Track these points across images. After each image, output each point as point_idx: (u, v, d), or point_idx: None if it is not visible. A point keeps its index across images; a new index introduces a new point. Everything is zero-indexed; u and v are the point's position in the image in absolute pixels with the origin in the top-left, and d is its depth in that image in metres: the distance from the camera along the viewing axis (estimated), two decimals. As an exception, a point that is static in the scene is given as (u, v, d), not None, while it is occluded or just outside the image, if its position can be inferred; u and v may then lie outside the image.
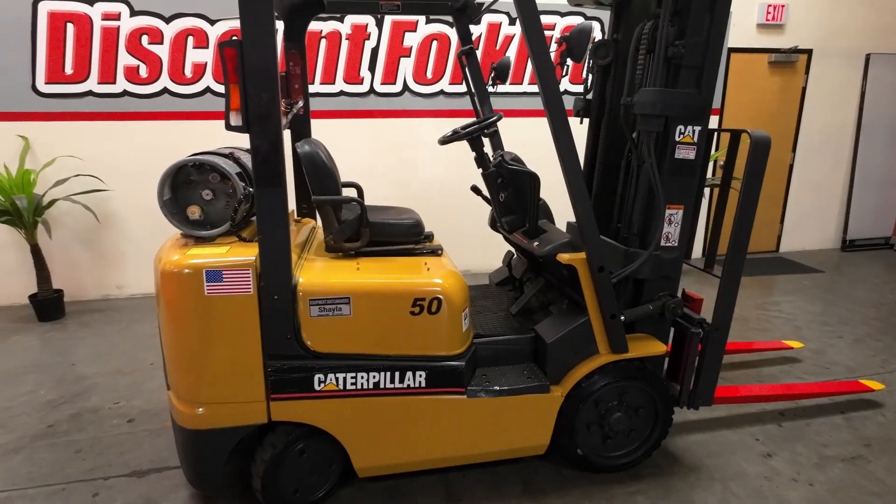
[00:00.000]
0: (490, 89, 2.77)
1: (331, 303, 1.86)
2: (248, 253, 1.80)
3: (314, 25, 4.43)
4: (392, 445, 2.02)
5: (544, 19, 4.77)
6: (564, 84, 5.00)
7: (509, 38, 4.79)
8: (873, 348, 3.50)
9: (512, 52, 4.81)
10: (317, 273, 1.92)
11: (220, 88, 4.37)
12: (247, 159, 2.14)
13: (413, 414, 2.00)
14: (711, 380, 2.29)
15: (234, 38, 1.62)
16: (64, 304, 4.18)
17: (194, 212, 1.94)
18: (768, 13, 5.25)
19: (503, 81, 2.68)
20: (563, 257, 2.06)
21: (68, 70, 4.12)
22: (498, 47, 4.79)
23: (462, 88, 4.80)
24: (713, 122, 2.36)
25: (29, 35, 4.01)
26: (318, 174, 2.09)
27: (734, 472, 2.29)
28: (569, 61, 2.09)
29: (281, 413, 1.90)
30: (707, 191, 5.22)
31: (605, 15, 4.80)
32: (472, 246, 5.07)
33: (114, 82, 4.21)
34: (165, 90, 4.30)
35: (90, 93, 4.19)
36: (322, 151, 2.16)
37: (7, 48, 3.99)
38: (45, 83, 4.11)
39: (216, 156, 1.96)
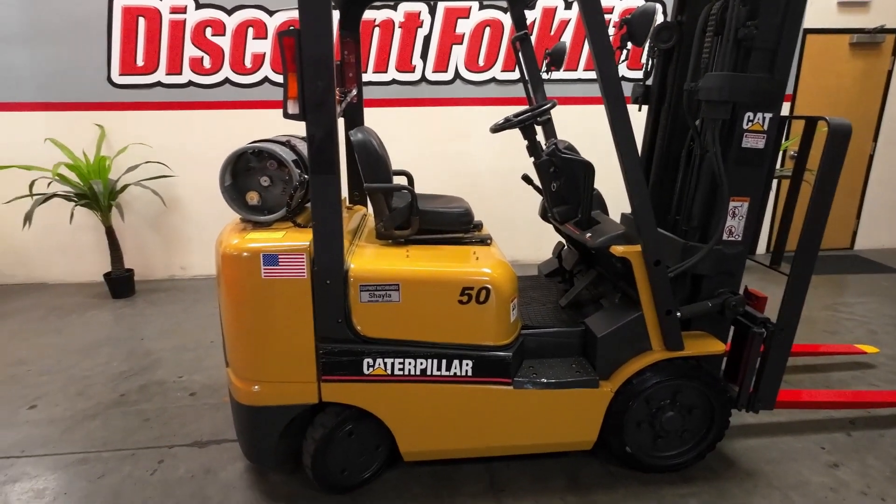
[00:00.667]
0: (544, 76, 2.70)
1: (381, 289, 1.89)
2: (302, 238, 1.86)
3: (368, 14, 4.46)
4: (437, 432, 2.04)
5: (603, 1, 4.60)
6: (622, 70, 4.81)
7: (564, 23, 4.66)
8: (961, 357, 3.20)
9: (567, 38, 4.68)
10: (367, 259, 1.95)
11: (278, 78, 4.50)
12: (303, 147, 2.19)
13: (458, 402, 2.01)
14: (774, 382, 2.17)
15: (293, 28, 1.66)
16: (134, 283, 4.47)
17: (253, 197, 2.01)
18: (851, -10, 4.83)
19: (558, 68, 2.61)
20: (617, 249, 2.00)
21: (139, 62, 4.36)
22: (552, 33, 4.66)
23: (514, 76, 4.72)
24: (784, 109, 2.20)
25: (105, 30, 4.26)
26: (371, 162, 2.12)
27: (796, 481, 2.17)
28: (629, 45, 2.00)
29: (331, 394, 1.95)
30: (775, 183, 4.92)
31: (668, -4, 4.57)
32: (523, 236, 5.01)
33: (180, 73, 4.42)
34: (227, 80, 4.47)
35: (159, 83, 4.42)
36: (374, 139, 2.19)
37: (86, 43, 4.27)
38: (119, 75, 4.37)
39: (274, 143, 2.02)
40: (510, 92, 4.76)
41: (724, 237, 2.06)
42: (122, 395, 2.87)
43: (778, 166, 4.71)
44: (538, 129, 2.51)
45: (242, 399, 1.98)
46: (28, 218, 3.78)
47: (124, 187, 4.24)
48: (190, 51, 4.38)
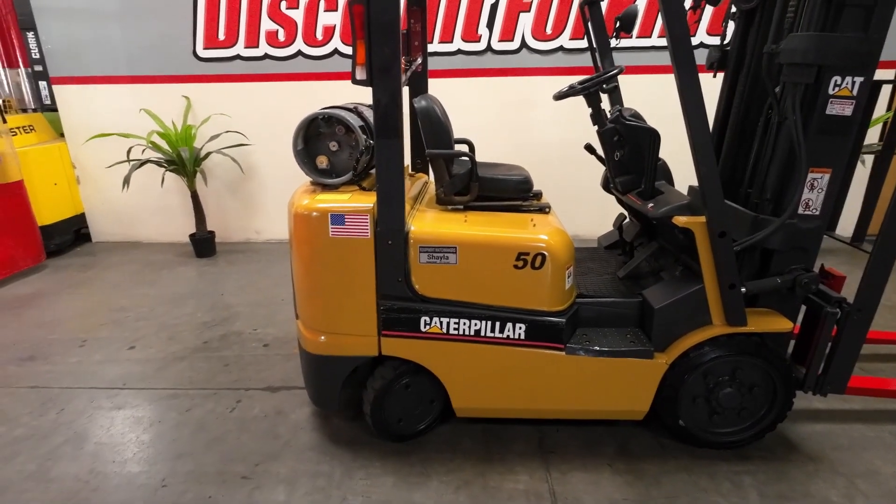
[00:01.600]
0: (613, 42, 2.62)
1: (439, 251, 1.97)
2: (367, 200, 1.96)
3: (435, -17, 4.46)
4: (489, 390, 2.13)
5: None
6: (701, 36, 4.53)
7: (639, -14, 4.42)
8: None
9: (641, 2, 4.45)
10: (427, 223, 2.04)
11: (347, 50, 4.62)
12: (369, 114, 2.28)
13: (510, 364, 2.07)
14: (846, 366, 2.06)
15: (363, -5, 1.72)
16: (215, 244, 4.85)
17: (322, 161, 2.14)
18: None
19: (629, 33, 2.52)
20: (680, 220, 1.95)
21: (221, 36, 4.63)
22: (626, -3, 4.45)
23: (583, 44, 4.57)
24: (883, 74, 2.01)
25: (192, 6, 4.55)
26: (433, 129, 2.18)
27: (864, 469, 2.07)
28: (704, 6, 1.91)
29: (390, 348, 2.08)
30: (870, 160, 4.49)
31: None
32: (585, 210, 4.91)
33: (257, 46, 4.65)
34: (299, 52, 4.66)
35: (238, 56, 4.68)
36: (438, 107, 2.24)
37: (174, 19, 4.57)
38: (203, 49, 4.67)
39: (342, 110, 2.12)
40: (578, 61, 4.62)
41: (801, 211, 1.95)
42: (205, 342, 3.18)
43: (874, 141, 4.28)
44: (604, 97, 2.46)
45: (310, 348, 2.15)
46: (126, 181, 4.19)
47: (207, 154, 4.57)
48: (266, 24, 4.59)
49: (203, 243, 4.72)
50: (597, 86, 2.25)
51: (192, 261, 4.65)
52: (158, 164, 4.44)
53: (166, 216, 5.12)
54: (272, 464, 2.14)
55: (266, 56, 4.67)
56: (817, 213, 1.96)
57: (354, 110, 2.18)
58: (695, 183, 1.96)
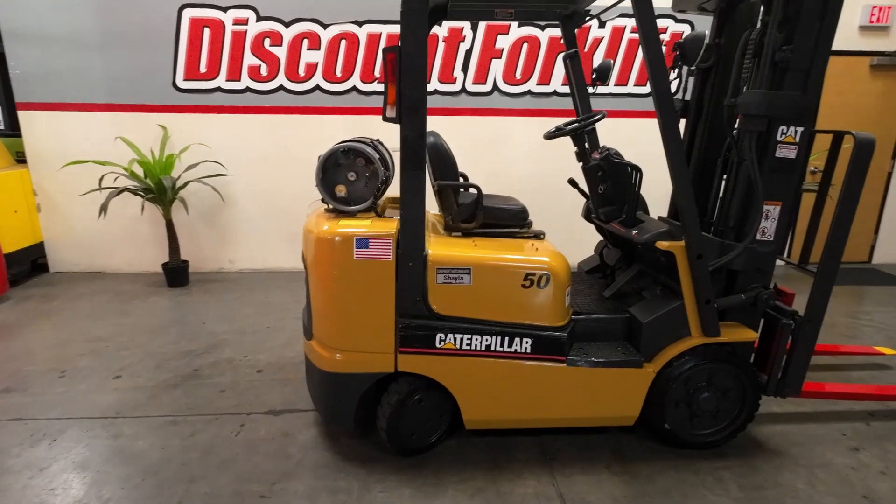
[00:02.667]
0: (590, 90, 2.97)
1: (455, 272, 2.15)
2: (388, 225, 2.13)
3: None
4: (497, 402, 2.29)
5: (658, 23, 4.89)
6: (630, 87, 5.09)
7: (597, 41, 4.94)
8: (976, 362, 3.39)
9: (599, 55, 4.96)
10: (442, 246, 2.22)
11: (329, 86, 4.82)
12: (381, 148, 2.47)
13: (517, 376, 2.26)
14: (800, 371, 2.39)
15: (395, 46, 1.94)
16: (188, 274, 4.78)
17: (341, 190, 2.29)
18: (873, 15, 5.08)
19: (604, 83, 2.88)
20: (663, 244, 2.25)
21: (202, 69, 4.71)
22: (586, 49, 4.95)
23: (549, 89, 5.01)
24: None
25: (173, 39, 4.62)
26: (442, 162, 2.39)
27: (820, 461, 2.38)
28: (681, 66, 2.27)
29: (406, 365, 2.21)
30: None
31: (698, 19, 4.85)
32: (556, 237, 5.24)
33: (239, 80, 4.76)
34: (281, 87, 4.81)
35: (219, 89, 4.77)
36: (444, 143, 2.47)
37: (155, 51, 4.63)
38: (183, 80, 4.72)
39: (361, 143, 2.30)
40: (544, 104, 5.04)
41: (759, 237, 2.30)
42: (195, 369, 3.15)
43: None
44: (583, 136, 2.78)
45: (327, 366, 2.25)
46: (104, 208, 4.11)
47: (186, 183, 4.57)
48: (249, 59, 4.72)
49: (176, 272, 4.65)
50: (583, 128, 2.56)
51: (165, 290, 4.56)
52: (135, 192, 4.39)
53: (135, 245, 5.00)
54: (289, 482, 2.19)
55: (248, 89, 4.78)
56: (772, 238, 2.32)
57: (371, 144, 2.37)
58: (659, 211, 2.27)
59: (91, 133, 4.72)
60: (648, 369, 2.30)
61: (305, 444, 2.44)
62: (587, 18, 2.90)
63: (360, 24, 4.72)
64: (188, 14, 4.59)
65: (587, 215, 2.95)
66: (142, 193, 4.41)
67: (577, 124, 2.60)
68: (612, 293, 2.64)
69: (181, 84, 4.73)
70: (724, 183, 2.50)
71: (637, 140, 4.55)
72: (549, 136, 2.70)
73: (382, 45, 4.76)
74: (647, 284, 2.62)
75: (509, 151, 5.10)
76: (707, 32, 2.08)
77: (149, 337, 3.58)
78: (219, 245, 5.12)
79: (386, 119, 2.02)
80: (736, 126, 2.36)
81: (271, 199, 5.01)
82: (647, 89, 5.15)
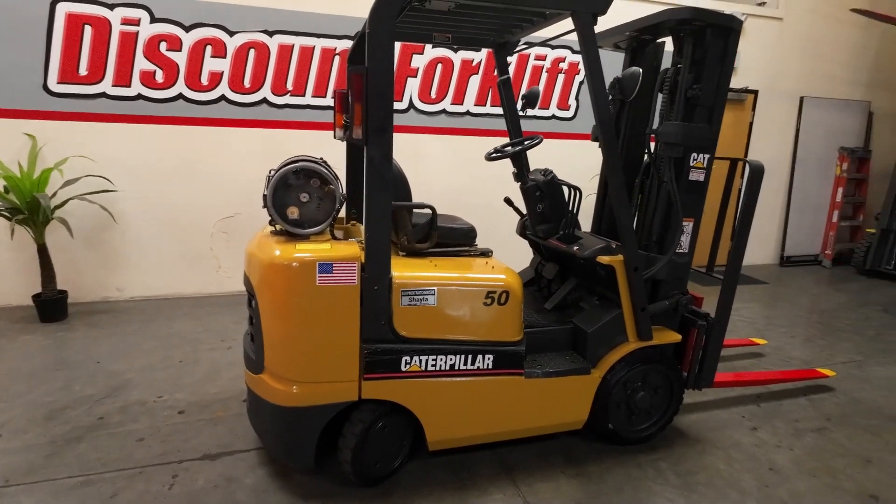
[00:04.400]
0: (520, 114, 3.16)
1: (419, 293, 2.14)
2: (353, 249, 2.06)
3: (332, 44, 4.67)
4: (461, 421, 2.31)
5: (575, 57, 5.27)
6: (552, 110, 5.51)
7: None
8: (820, 345, 4.14)
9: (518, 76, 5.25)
10: (405, 268, 2.20)
11: (236, 97, 4.51)
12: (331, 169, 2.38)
13: (480, 392, 2.30)
14: (713, 365, 2.75)
15: (361, 66, 1.90)
16: (67, 306, 4.13)
17: (294, 212, 2.17)
18: (724, 57, 6.03)
19: (532, 107, 3.07)
20: (604, 259, 2.45)
21: (83, 71, 4.14)
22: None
23: (463, 108, 5.19)
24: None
25: (44, 35, 4.01)
26: (397, 183, 2.37)
27: (731, 442, 2.74)
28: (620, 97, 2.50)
29: (370, 392, 2.14)
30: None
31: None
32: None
33: (129, 85, 4.26)
34: (181, 96, 4.39)
35: (104, 94, 4.22)
36: (397, 164, 2.45)
37: (20, 47, 3.97)
38: (58, 83, 4.11)
39: (312, 163, 2.20)
40: (459, 123, 5.21)
41: (677, 249, 2.61)
42: (100, 417, 2.73)
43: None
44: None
45: (282, 401, 2.10)
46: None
47: (65, 202, 3.95)
48: (141, 64, 4.25)
49: (52, 305, 3.99)
50: (523, 150, 2.71)
51: (38, 327, 3.89)
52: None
53: (-8, 275, 4.20)
54: (246, 533, 1.99)
55: (140, 96, 4.30)
56: (686, 250, 2.65)
57: (322, 163, 2.28)
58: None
59: (-70, 141, 3.90)
60: (595, 375, 2.48)
61: (255, 488, 2.24)
62: (518, 48, 3.08)
63: (270, 34, 4.49)
64: (63, 8, 4.01)
65: (522, 232, 3.11)
66: (7, 214, 3.73)
67: (518, 147, 2.74)
68: (554, 305, 2.81)
69: (55, 87, 4.11)
70: (643, 202, 2.79)
71: (558, 159, 4.90)
72: (490, 157, 2.81)
73: (296, 56, 4.59)
74: (584, 296, 2.83)
75: (425, 168, 5.17)
76: (634, 68, 2.33)
77: (28, 384, 3.03)
78: (103, 271, 4.49)
79: (352, 140, 1.96)
80: (653, 151, 2.67)
81: (170, 217, 4.53)
82: (568, 113, 5.57)
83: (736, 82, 6.18)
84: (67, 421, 2.68)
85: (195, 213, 4.57)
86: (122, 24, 4.16)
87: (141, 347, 3.59)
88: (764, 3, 6.32)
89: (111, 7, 4.11)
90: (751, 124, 6.48)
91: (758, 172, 2.54)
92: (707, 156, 2.56)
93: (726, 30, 2.42)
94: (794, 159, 6.75)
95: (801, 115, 6.63)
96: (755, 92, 6.37)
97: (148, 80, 4.29)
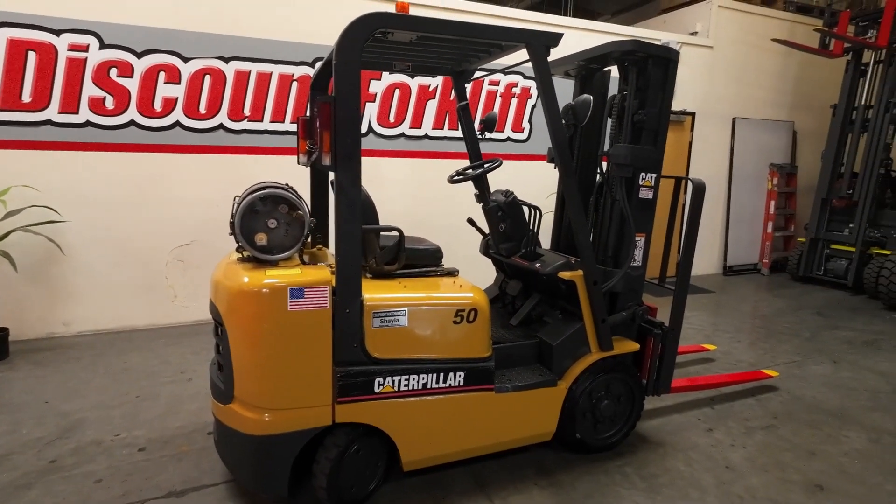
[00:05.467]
0: (479, 137, 3.28)
1: (391, 315, 2.18)
2: (323, 273, 2.08)
3: (290, 70, 4.70)
4: (434, 439, 2.34)
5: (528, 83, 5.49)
6: (508, 132, 5.72)
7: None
8: (763, 348, 4.43)
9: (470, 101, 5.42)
10: (376, 290, 2.24)
11: (191, 123, 4.45)
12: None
13: (453, 409, 2.34)
14: (669, 371, 2.90)
15: (329, 95, 1.95)
16: (9, 344, 3.88)
17: (262, 238, 2.17)
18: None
19: (490, 131, 3.21)
20: (565, 274, 2.57)
21: (26, 98, 3.99)
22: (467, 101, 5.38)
23: (420, 132, 5.31)
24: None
25: (-17, 60, 3.85)
26: (364, 207, 2.42)
27: (690, 444, 2.89)
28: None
29: (344, 415, 2.15)
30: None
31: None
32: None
33: (76, 112, 4.13)
34: (133, 122, 4.29)
35: (49, 122, 4.07)
36: (363, 188, 2.50)
37: (-44, 72, 3.79)
38: (-2, 110, 3.93)
39: (279, 189, 2.22)
40: (419, 146, 5.32)
41: (632, 263, 2.77)
42: (51, 461, 2.59)
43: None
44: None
45: (253, 430, 2.07)
46: None
47: (7, 234, 3.75)
48: (90, 90, 4.14)
49: (-9, 344, 3.74)
50: (484, 173, 2.82)
51: (-24, 368, 3.64)
52: (-70, 247, 3.47)
53: (-79, 314, 3.91)
54: (219, 569, 1.93)
55: (89, 123, 4.17)
56: (640, 264, 2.81)
57: (289, 188, 2.30)
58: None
59: None
60: (561, 386, 2.57)
61: (226, 523, 2.18)
62: (474, 76, 3.22)
63: (226, 60, 4.48)
64: (4, 34, 3.87)
65: (486, 251, 3.20)
66: (-59, 248, 3.51)
67: (479, 170, 2.86)
68: (519, 321, 2.90)
69: (-6, 114, 3.93)
70: (597, 219, 2.95)
71: (515, 179, 5.07)
72: (452, 180, 2.91)
73: (253, 82, 4.59)
74: (547, 311, 2.94)
75: (387, 191, 5.23)
76: (586, 95, 2.50)
77: (-31, 430, 2.83)
78: (49, 305, 4.26)
79: (322, 167, 2.00)
80: (605, 172, 2.84)
81: (121, 247, 4.37)
82: (522, 135, 5.78)
83: (675, 105, 6.62)
84: (15, 467, 2.52)
85: (148, 241, 4.43)
86: (69, 49, 4.04)
87: (92, 384, 3.42)
88: (696, 32, 6.84)
89: (57, 33, 4.00)
90: (690, 144, 6.93)
91: (700, 189, 2.75)
92: (654, 175, 2.75)
93: (665, 60, 2.64)
94: (730, 175, 7.24)
95: (734, 135, 7.15)
96: (693, 114, 6.83)
97: (97, 106, 4.17)
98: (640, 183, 2.72)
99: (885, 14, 5.98)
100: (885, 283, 5.68)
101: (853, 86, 6.54)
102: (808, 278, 6.92)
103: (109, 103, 4.21)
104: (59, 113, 4.09)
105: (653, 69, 2.63)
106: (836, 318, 5.36)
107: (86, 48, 4.09)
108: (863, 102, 6.54)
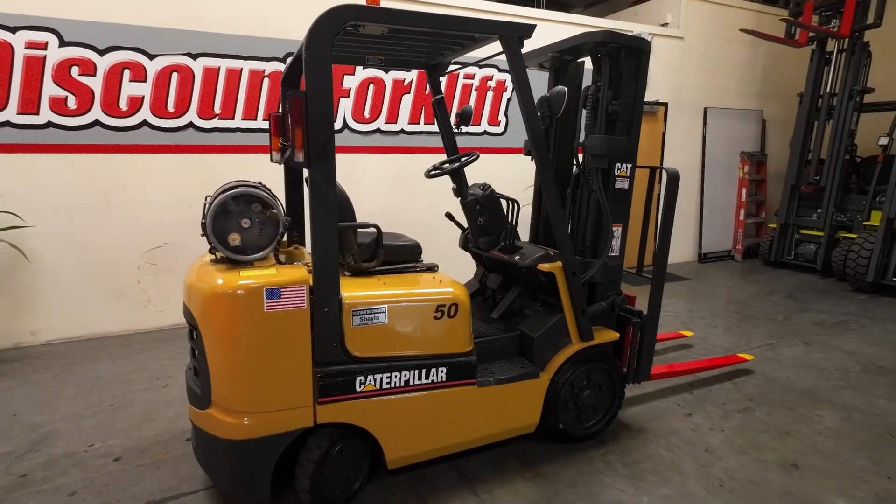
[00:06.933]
0: (455, 131, 3.26)
1: (370, 312, 2.15)
2: (300, 272, 2.04)
3: (260, 66, 4.60)
4: (418, 436, 2.33)
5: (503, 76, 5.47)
6: (483, 126, 5.71)
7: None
8: (738, 333, 4.53)
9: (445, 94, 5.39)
10: (354, 288, 2.20)
11: (159, 122, 4.32)
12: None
13: (436, 405, 2.33)
14: (649, 359, 2.94)
15: (300, 91, 1.91)
16: (-28, 356, 3.74)
17: (235, 238, 2.12)
18: (636, 73, 6.53)
19: (466, 125, 3.19)
20: (544, 266, 2.58)
21: (-19, 99, 3.81)
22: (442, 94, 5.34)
23: (396, 127, 5.26)
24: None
25: (-67, 60, 3.67)
26: (341, 204, 2.38)
27: (670, 430, 2.94)
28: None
29: (326, 415, 2.11)
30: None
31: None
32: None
33: (36, 113, 3.97)
34: (97, 122, 4.15)
35: (7, 123, 3.90)
36: (339, 185, 2.46)
37: None
38: (-49, 112, 3.76)
39: (252, 187, 2.17)
40: (394, 141, 5.27)
41: (609, 253, 2.79)
42: (21, 475, 2.49)
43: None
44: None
45: (233, 434, 2.02)
46: None
47: (-34, 241, 3.60)
48: (51, 90, 3.98)
49: (-47, 357, 3.59)
50: (462, 167, 2.80)
51: (-63, 382, 3.48)
52: None
53: None
54: (202, 578, 1.89)
55: (50, 124, 4.01)
56: (618, 253, 2.84)
57: (261, 186, 2.24)
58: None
59: None
60: (543, 378, 2.59)
61: (207, 530, 2.13)
62: (448, 70, 3.19)
63: (194, 56, 4.36)
64: (-44, 32, 3.70)
65: (465, 245, 3.19)
66: None
67: (456, 164, 2.84)
68: (500, 314, 2.90)
69: (-53, 117, 3.75)
70: (574, 210, 2.96)
71: (492, 172, 5.04)
72: (430, 175, 2.88)
73: (223, 79, 4.48)
74: (527, 303, 2.95)
75: (363, 187, 5.18)
76: (560, 87, 2.50)
77: (-69, 447, 2.71)
78: (14, 314, 4.10)
79: (293, 164, 1.96)
80: (581, 163, 2.85)
81: (90, 252, 4.23)
82: (499, 128, 5.78)
83: (648, 96, 6.69)
84: (-17, 483, 2.42)
85: (118, 245, 4.30)
86: (26, 48, 3.88)
87: (63, 394, 3.31)
88: (667, 24, 6.92)
89: (13, 30, 3.83)
90: (664, 134, 7.02)
91: (674, 179, 2.78)
92: (629, 165, 2.77)
93: (638, 50, 2.65)
94: (703, 164, 7.37)
95: (706, 125, 7.28)
96: (665, 104, 6.93)
97: (59, 106, 4.02)
98: (616, 173, 2.74)
99: (847, 3, 6.14)
100: (852, 265, 5.86)
101: (818, 74, 6.70)
102: (779, 263, 7.11)
103: (72, 103, 4.06)
104: (19, 114, 3.92)
105: (626, 60, 2.64)
106: (807, 301, 5.51)
107: (44, 46, 3.93)
108: (828, 90, 6.72)
